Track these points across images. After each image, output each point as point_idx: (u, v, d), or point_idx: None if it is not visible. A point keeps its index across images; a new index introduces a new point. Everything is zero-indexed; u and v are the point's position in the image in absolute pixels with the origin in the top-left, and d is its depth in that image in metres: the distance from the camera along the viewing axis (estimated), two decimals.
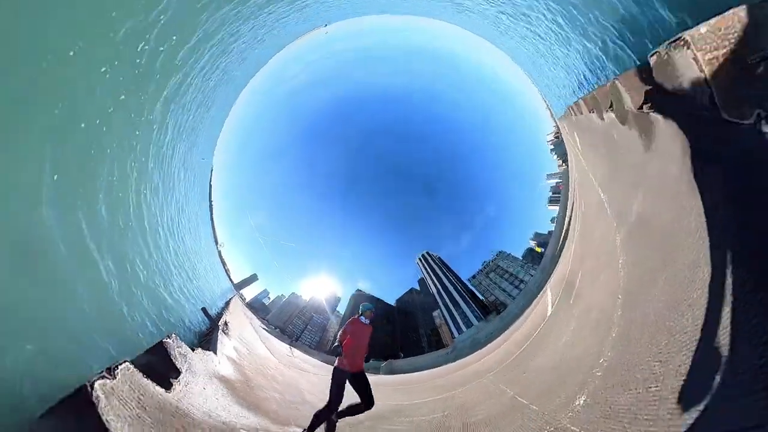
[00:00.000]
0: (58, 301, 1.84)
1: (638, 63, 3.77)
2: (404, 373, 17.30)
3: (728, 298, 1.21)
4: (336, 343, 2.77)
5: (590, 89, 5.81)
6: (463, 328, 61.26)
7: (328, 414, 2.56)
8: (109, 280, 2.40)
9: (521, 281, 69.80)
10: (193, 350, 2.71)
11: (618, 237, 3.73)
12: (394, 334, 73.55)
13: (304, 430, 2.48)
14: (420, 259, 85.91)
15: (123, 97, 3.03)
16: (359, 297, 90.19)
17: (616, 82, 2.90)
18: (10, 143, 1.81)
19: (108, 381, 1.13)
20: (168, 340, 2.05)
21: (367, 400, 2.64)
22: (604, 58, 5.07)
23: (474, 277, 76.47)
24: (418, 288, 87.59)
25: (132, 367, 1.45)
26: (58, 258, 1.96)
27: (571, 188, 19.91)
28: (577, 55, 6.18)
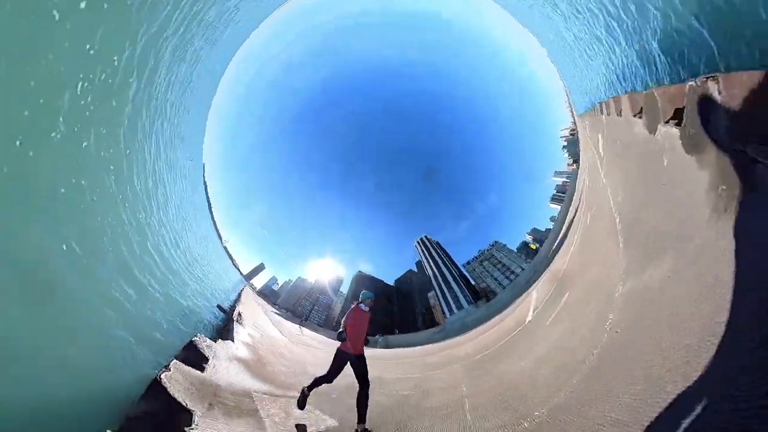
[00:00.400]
0: (118, 320, 2.45)
1: (676, 79, 3.59)
2: (398, 347, 18.95)
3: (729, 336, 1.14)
4: (340, 329, 2.90)
5: (622, 92, 5.43)
6: (455, 309, 63.63)
7: (325, 381, 2.80)
8: (142, 300, 3.00)
9: (512, 273, 70.78)
10: (215, 341, 3.44)
11: (623, 252, 3.50)
12: (392, 312, 76.82)
13: (304, 387, 2.76)
14: (418, 242, 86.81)
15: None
16: (360, 278, 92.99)
17: (655, 93, 2.75)
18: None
19: (167, 372, 1.79)
20: (196, 338, 2.75)
21: (362, 381, 2.75)
22: (641, 64, 4.76)
23: (469, 263, 77.26)
24: (415, 270, 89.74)
25: (178, 362, 2.12)
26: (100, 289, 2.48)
27: (578, 190, 19.09)
28: (615, 52, 5.75)
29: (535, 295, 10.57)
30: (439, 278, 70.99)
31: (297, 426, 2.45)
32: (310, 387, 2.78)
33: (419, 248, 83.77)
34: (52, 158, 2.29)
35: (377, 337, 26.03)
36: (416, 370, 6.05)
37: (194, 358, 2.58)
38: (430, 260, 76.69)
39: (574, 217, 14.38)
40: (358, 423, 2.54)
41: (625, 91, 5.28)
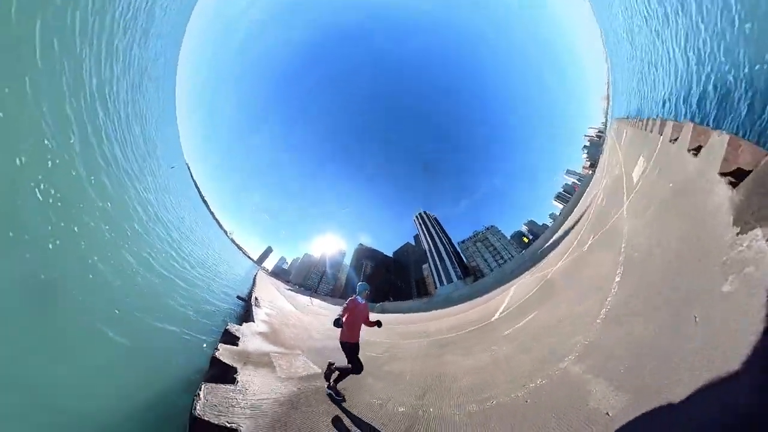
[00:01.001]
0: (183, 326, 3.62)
1: (753, 138, 3.10)
2: (392, 313, 21.24)
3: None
4: (337, 317, 2.90)
5: (682, 116, 4.76)
6: (445, 282, 66.63)
7: (353, 371, 2.89)
8: (186, 311, 4.09)
9: (502, 258, 71.56)
10: (241, 325, 4.68)
11: (617, 288, 3.42)
12: (389, 280, 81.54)
13: (331, 373, 2.92)
14: (417, 217, 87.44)
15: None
16: (361, 250, 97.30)
17: (724, 137, 2.31)
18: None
19: (218, 351, 2.94)
20: (229, 326, 3.93)
21: (354, 365, 2.87)
22: (717, 100, 3.95)
23: (463, 241, 76.49)
24: (413, 243, 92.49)
25: (223, 344, 3.30)
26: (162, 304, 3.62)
27: (587, 196, 18.26)
28: (684, 70, 4.88)
29: (511, 292, 10.63)
30: (434, 252, 73.32)
31: (299, 378, 3.72)
32: (330, 377, 2.98)
33: (417, 222, 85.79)
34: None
35: (376, 304, 28.83)
36: (393, 336, 7.46)
37: (230, 339, 3.77)
38: (427, 234, 78.75)
39: (574, 225, 13.57)
40: (330, 385, 2.87)
41: (690, 119, 4.38)
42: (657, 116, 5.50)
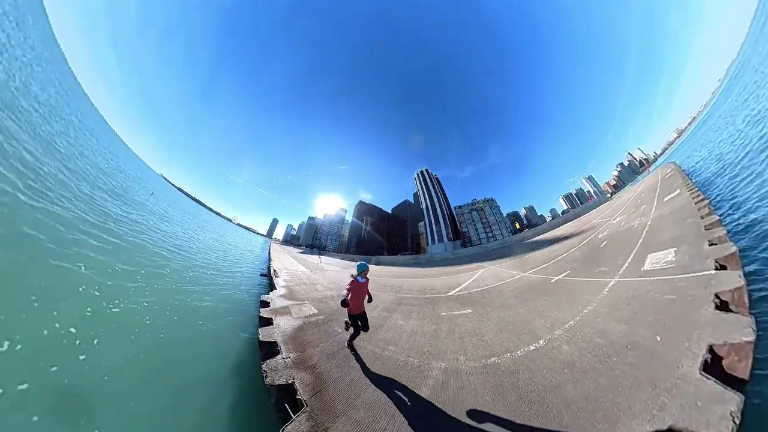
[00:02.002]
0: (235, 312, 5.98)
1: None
2: (386, 265, 24.67)
3: None
4: (343, 298, 3.14)
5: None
6: (436, 241, 66.77)
7: (356, 334, 3.62)
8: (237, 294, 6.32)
9: (492, 233, 71.03)
10: (269, 293, 7.14)
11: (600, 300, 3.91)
12: (388, 236, 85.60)
13: (348, 343, 3.63)
14: (419, 174, 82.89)
15: None
16: (362, 207, 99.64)
17: (740, 280, 2.53)
18: None
19: (261, 311, 5.32)
20: (262, 297, 6.31)
21: (364, 327, 3.53)
22: None
23: (459, 207, 74.84)
24: (412, 201, 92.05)
25: (261, 308, 5.70)
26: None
27: (595, 214, 17.85)
28: None
29: (476, 276, 10.78)
30: (430, 211, 72.82)
31: (305, 316, 6.29)
32: (351, 345, 3.68)
33: (418, 180, 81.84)
34: None
35: (372, 257, 32.84)
36: (374, 287, 10.17)
37: (265, 303, 6.12)
38: (426, 193, 76.38)
39: (571, 237, 13.54)
40: (349, 342, 3.67)
41: None
42: (708, 202, 5.69)
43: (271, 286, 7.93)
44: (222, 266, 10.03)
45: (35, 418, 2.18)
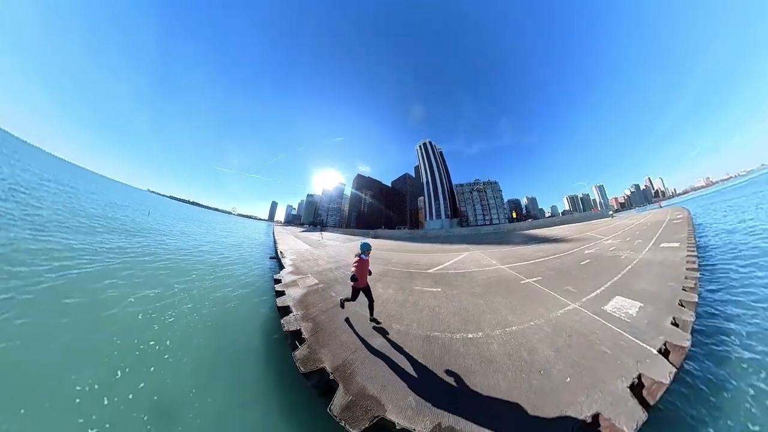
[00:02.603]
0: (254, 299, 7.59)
1: None
2: (384, 238, 26.32)
3: None
4: (352, 275, 3.76)
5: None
6: (434, 217, 65.29)
7: (350, 300, 4.17)
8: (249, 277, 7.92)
9: (489, 216, 67.63)
10: (279, 272, 8.73)
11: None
12: (386, 210, 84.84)
13: (342, 300, 4.33)
14: (421, 146, 77.73)
15: None
16: (360, 180, 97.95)
17: (686, 345, 3.02)
18: None
19: (276, 286, 6.88)
20: (275, 276, 7.85)
21: (369, 299, 4.14)
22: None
23: (461, 185, 71.24)
24: (412, 174, 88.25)
25: (275, 284, 7.28)
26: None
27: (592, 225, 17.33)
28: None
29: (458, 257, 11.20)
30: (431, 186, 70.51)
31: (308, 286, 7.94)
32: (342, 303, 4.35)
33: (421, 152, 77.17)
34: None
35: (371, 230, 34.59)
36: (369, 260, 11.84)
37: (278, 280, 7.73)
38: (428, 167, 72.91)
39: (561, 241, 13.41)
40: (371, 318, 4.20)
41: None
42: (698, 275, 5.46)
43: (280, 266, 9.53)
44: (236, 260, 11.51)
45: (155, 397, 3.09)
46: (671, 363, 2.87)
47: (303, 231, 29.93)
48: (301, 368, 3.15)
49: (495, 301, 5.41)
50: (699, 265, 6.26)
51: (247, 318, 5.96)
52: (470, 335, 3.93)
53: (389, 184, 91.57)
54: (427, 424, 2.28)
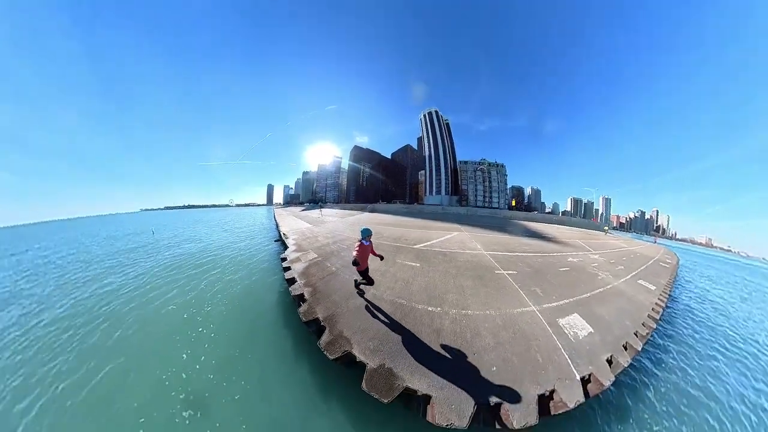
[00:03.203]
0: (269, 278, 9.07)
1: None
2: (381, 213, 26.81)
3: None
4: (354, 259, 4.09)
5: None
6: (434, 193, 62.30)
7: (366, 284, 4.75)
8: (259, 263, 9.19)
9: (489, 199, 62.71)
10: (284, 251, 10.06)
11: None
12: (385, 183, 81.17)
13: (356, 281, 4.93)
14: (426, 116, 69.87)
15: None
16: (358, 152, 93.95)
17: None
18: None
19: (283, 263, 8.23)
20: (281, 255, 9.19)
21: (368, 282, 4.67)
22: None
23: (465, 162, 65.30)
24: (414, 146, 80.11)
25: (282, 262, 8.64)
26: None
27: (579, 242, 14.39)
28: None
29: (446, 236, 11.65)
30: (433, 160, 64.82)
31: (309, 260, 9.33)
32: (357, 285, 4.97)
33: (425, 122, 69.84)
34: None
35: (367, 206, 35.48)
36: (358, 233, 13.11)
37: (284, 259, 9.07)
38: (431, 139, 65.91)
39: (550, 241, 13.49)
40: (357, 283, 4.93)
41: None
42: (656, 325, 5.54)
43: (285, 246, 10.88)
44: (246, 249, 12.84)
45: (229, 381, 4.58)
46: (584, 393, 3.09)
47: (303, 210, 30.94)
48: (303, 318, 4.51)
49: (463, 284, 5.73)
50: (661, 317, 6.12)
51: (266, 292, 7.52)
52: (429, 308, 4.47)
53: (389, 156, 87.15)
54: (377, 362, 3.29)
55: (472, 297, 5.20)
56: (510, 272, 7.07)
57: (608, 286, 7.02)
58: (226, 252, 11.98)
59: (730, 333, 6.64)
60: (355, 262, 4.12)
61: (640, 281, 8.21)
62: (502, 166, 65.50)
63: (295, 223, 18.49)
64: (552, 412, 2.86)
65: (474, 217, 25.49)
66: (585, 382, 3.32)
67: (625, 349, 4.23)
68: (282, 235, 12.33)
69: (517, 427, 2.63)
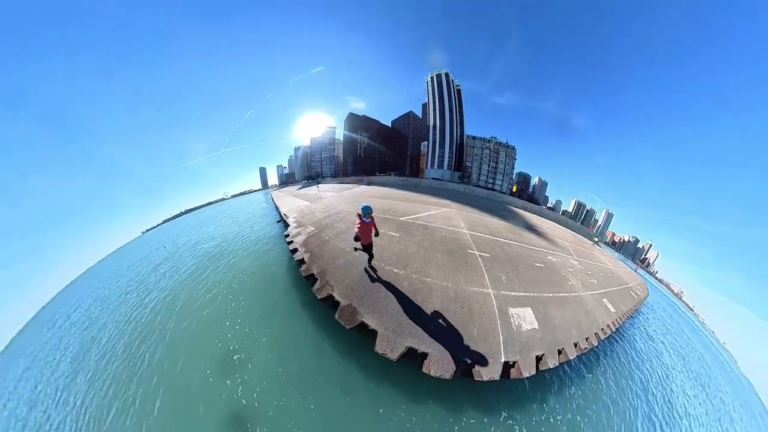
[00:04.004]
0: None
1: None
2: (377, 185, 26.67)
3: None
4: (355, 235, 4.39)
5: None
6: (436, 166, 57.08)
7: (370, 258, 5.46)
8: (265, 244, 11.18)
9: (493, 181, 56.26)
10: (287, 229, 11.84)
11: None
12: (384, 153, 73.80)
13: (368, 260, 5.70)
14: (433, 78, 60.56)
15: None
16: (353, 120, 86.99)
17: None
18: None
19: (287, 238, 10.10)
20: (285, 232, 10.96)
21: (369, 254, 5.20)
22: None
23: (474, 137, 57.91)
24: (417, 114, 69.88)
25: (286, 238, 10.47)
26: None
27: (567, 245, 13.84)
28: None
29: (431, 211, 11.88)
30: (437, 130, 57.27)
31: (308, 233, 11.10)
32: (368, 264, 5.72)
33: (431, 86, 60.74)
34: None
35: (364, 178, 35.95)
36: (354, 202, 14.63)
37: (288, 235, 10.88)
38: (438, 106, 58.01)
39: (539, 235, 13.22)
40: (369, 265, 5.67)
41: None
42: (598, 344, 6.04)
43: (286, 225, 12.65)
44: (252, 235, 14.36)
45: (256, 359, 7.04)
46: (501, 375, 3.61)
47: (300, 189, 31.88)
48: (303, 274, 6.40)
49: (433, 256, 6.22)
50: (604, 339, 6.24)
51: (276, 264, 9.63)
52: (395, 270, 5.38)
53: (389, 125, 78.81)
54: (347, 302, 4.87)
55: (436, 268, 5.67)
56: (483, 254, 7.17)
57: (573, 294, 6.95)
58: (238, 241, 13.56)
59: (652, 376, 6.68)
60: (356, 238, 4.41)
61: (605, 300, 8.13)
62: (513, 148, 60.18)
63: (293, 202, 19.79)
64: (474, 377, 3.53)
65: (470, 196, 24.37)
66: (508, 366, 3.79)
67: (559, 353, 4.42)
68: (283, 215, 14.01)
69: (434, 376, 3.43)
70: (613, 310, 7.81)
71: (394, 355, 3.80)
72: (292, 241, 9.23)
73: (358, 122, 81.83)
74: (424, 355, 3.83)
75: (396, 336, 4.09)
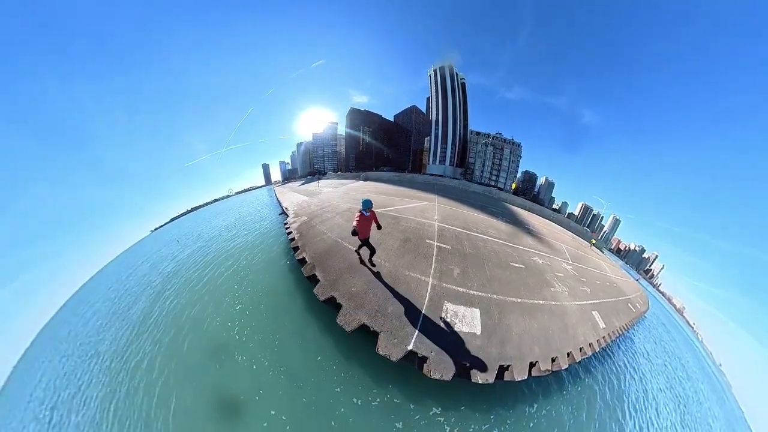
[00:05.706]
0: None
1: None
2: (372, 181, 27.82)
3: None
4: (353, 229, 4.28)
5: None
6: (438, 162, 56.40)
7: (370, 254, 5.16)
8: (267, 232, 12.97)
9: (495, 178, 55.21)
10: (286, 215, 13.59)
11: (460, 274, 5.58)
12: (387, 149, 73.25)
13: (358, 253, 5.83)
14: (437, 71, 58.91)
15: None
16: (355, 115, 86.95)
17: None
18: None
19: (287, 228, 11.90)
20: (285, 221, 12.71)
21: (370, 248, 4.97)
22: None
23: (477, 133, 56.43)
24: (421, 108, 69.62)
25: (285, 228, 12.21)
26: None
27: (563, 248, 13.62)
28: None
29: (412, 204, 12.27)
30: (440, 126, 56.41)
31: (302, 222, 12.79)
32: (360, 259, 5.76)
33: (434, 79, 59.45)
34: None
35: (361, 174, 37.24)
36: (346, 199, 16.33)
37: (287, 225, 12.61)
38: (441, 100, 56.80)
39: (530, 234, 13.13)
40: (370, 262, 5.46)
41: None
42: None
43: (287, 215, 14.41)
44: (258, 226, 16.29)
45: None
46: (417, 369, 3.63)
47: (301, 185, 33.57)
48: (297, 258, 8.01)
49: (386, 241, 6.77)
50: (584, 359, 5.34)
51: (276, 249, 11.22)
52: (348, 246, 6.41)
53: (392, 119, 78.08)
54: (322, 275, 5.83)
55: (384, 251, 6.05)
56: (443, 246, 6.88)
57: (553, 302, 6.13)
58: (247, 233, 15.17)
59: (634, 403, 5.83)
60: (354, 232, 4.28)
61: (594, 312, 7.15)
62: (518, 145, 58.07)
63: (294, 197, 21.45)
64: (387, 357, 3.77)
65: (461, 191, 23.41)
66: (417, 361, 3.78)
67: (506, 369, 3.71)
68: (285, 209, 15.84)
69: (385, 354, 3.82)
70: (602, 325, 6.75)
71: (349, 328, 4.09)
72: (290, 230, 10.96)
73: (359, 117, 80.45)
74: (376, 334, 4.00)
75: (354, 310, 4.41)
